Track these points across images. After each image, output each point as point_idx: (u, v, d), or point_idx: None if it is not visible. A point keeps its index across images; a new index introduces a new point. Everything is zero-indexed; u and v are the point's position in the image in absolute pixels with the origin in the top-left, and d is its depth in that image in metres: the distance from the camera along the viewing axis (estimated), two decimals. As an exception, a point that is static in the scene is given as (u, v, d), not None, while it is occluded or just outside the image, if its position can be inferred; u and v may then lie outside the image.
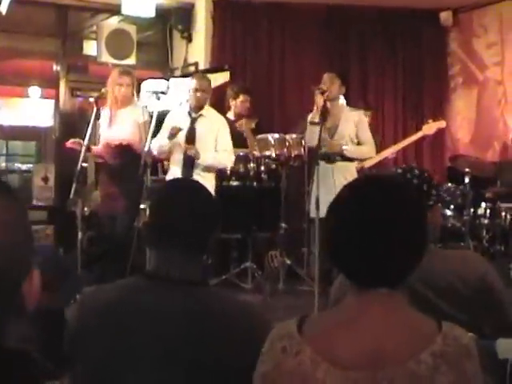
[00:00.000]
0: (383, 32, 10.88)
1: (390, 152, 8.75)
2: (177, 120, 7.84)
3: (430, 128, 8.73)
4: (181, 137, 7.75)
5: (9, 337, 1.39)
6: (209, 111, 8.03)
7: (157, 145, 7.62)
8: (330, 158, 7.66)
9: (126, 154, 7.70)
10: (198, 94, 7.79)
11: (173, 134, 7.63)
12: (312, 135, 7.62)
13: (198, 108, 7.84)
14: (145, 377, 2.43)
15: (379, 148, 8.31)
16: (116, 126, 7.85)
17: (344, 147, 7.69)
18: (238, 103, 9.10)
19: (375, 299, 2.02)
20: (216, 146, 7.82)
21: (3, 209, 1.34)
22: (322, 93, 7.61)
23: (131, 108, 7.85)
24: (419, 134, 8.79)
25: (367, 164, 8.13)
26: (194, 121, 7.83)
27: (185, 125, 7.79)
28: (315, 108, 8.01)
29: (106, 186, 8.00)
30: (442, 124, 8.79)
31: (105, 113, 7.98)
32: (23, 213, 1.42)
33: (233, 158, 7.98)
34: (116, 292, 2.61)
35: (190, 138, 7.76)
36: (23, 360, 1.39)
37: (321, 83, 7.75)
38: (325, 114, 7.54)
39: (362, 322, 2.00)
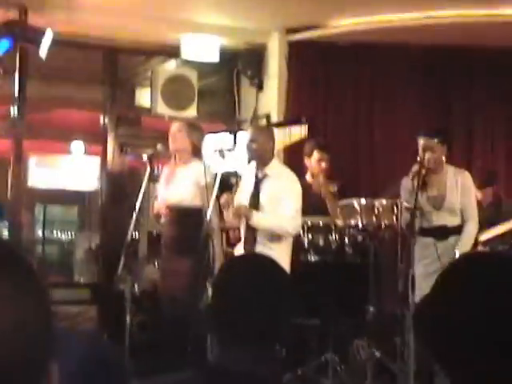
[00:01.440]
0: (492, 76, 10.79)
1: (506, 228, 8.70)
2: (245, 181, 7.91)
3: None
4: (243, 201, 7.78)
5: None
6: (277, 169, 8.03)
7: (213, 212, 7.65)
8: (442, 233, 7.64)
9: (188, 219, 7.77)
10: (254, 146, 7.82)
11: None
12: (405, 220, 7.67)
13: (260, 164, 7.85)
14: None
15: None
16: (173, 186, 7.95)
17: (457, 251, 7.62)
18: (312, 162, 9.08)
19: None
20: (280, 210, 7.78)
21: (14, 290, 1.33)
22: (417, 175, 7.63)
23: (192, 166, 7.93)
24: None
25: (483, 238, 8.11)
26: (258, 182, 7.86)
27: (250, 187, 7.86)
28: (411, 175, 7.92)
29: (168, 260, 8.04)
30: None
31: (164, 171, 8.11)
32: (41, 295, 1.39)
33: (297, 223, 7.87)
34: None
35: (254, 201, 7.80)
36: None
37: (419, 147, 7.75)
38: (424, 180, 7.54)
39: None
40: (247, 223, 7.68)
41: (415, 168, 7.66)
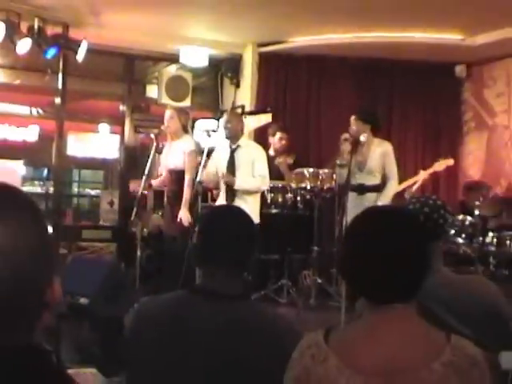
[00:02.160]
0: (406, 82, 10.86)
1: (408, 183, 8.73)
2: (219, 154, 7.93)
3: (440, 165, 8.79)
4: (223, 166, 7.79)
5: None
6: (246, 142, 8.10)
7: (205, 175, 7.65)
8: (360, 190, 7.65)
9: (182, 179, 7.77)
10: (228, 125, 7.84)
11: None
12: (341, 175, 7.72)
13: (234, 139, 7.86)
14: (188, 380, 2.42)
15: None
16: (170, 156, 7.98)
17: (380, 203, 7.64)
18: (275, 140, 9.11)
19: (390, 313, 2.03)
20: (253, 172, 7.80)
21: (21, 225, 1.31)
22: (346, 140, 7.68)
23: (182, 140, 7.96)
24: (431, 170, 8.84)
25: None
26: (233, 152, 7.85)
27: (226, 156, 7.85)
28: (341, 152, 7.93)
29: (171, 209, 8.03)
30: (450, 162, 8.81)
31: (166, 145, 8.10)
32: (41, 226, 1.37)
33: (267, 181, 7.90)
34: (166, 303, 2.62)
35: (231, 167, 7.80)
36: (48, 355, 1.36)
37: (350, 125, 7.81)
38: (354, 148, 7.55)
39: (380, 334, 2.01)
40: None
41: (344, 136, 7.72)
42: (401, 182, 8.26)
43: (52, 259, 1.38)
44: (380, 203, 7.61)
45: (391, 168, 7.95)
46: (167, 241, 8.05)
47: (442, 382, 1.89)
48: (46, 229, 1.39)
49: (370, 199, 7.71)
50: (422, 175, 8.78)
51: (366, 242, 2.08)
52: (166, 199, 8.17)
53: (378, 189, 7.84)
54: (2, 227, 1.26)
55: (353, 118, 7.91)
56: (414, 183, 8.60)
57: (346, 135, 7.75)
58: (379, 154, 7.88)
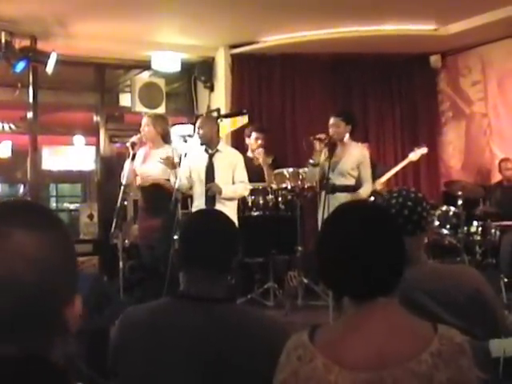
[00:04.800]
0: (381, 75, 10.95)
1: (386, 177, 8.78)
2: (194, 158, 7.83)
3: (415, 155, 8.89)
4: (201, 172, 7.78)
5: (58, 353, 1.39)
6: (224, 147, 8.07)
7: (178, 182, 7.58)
8: (331, 190, 7.61)
9: (158, 189, 7.75)
10: (201, 131, 7.79)
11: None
12: (311, 174, 7.78)
13: (210, 144, 7.84)
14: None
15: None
16: (149, 164, 7.92)
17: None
18: (251, 141, 9.10)
19: (374, 308, 2.06)
20: (233, 178, 7.82)
21: (53, 239, 1.38)
22: (320, 140, 7.66)
23: (163, 149, 7.90)
24: (406, 161, 8.95)
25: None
26: (211, 157, 7.83)
27: (203, 161, 7.82)
28: (314, 151, 7.91)
29: (144, 220, 8.03)
30: (423, 150, 8.93)
31: (141, 152, 8.05)
32: (70, 244, 1.44)
33: (249, 187, 7.99)
34: (151, 311, 2.63)
35: (210, 172, 7.78)
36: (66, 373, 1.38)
37: (329, 125, 7.78)
38: (331, 150, 7.56)
39: (365, 329, 2.03)
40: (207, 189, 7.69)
41: (321, 135, 7.70)
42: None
43: (76, 277, 1.44)
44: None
45: (367, 172, 7.92)
46: (144, 251, 8.03)
47: (432, 372, 1.91)
48: (74, 248, 1.45)
49: (339, 199, 7.67)
50: (398, 167, 8.90)
51: (339, 243, 2.12)
52: (141, 211, 8.16)
53: (349, 189, 7.79)
54: (40, 237, 1.36)
55: (336, 119, 7.82)
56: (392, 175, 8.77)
57: (321, 135, 7.70)
58: (356, 157, 7.83)
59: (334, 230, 2.17)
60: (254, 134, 9.10)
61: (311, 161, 7.83)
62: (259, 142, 9.04)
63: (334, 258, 2.11)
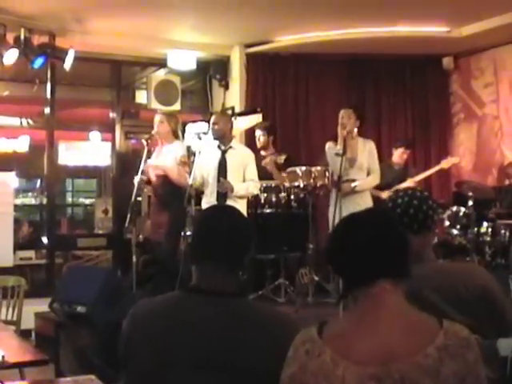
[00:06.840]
0: (394, 76, 10.94)
1: (420, 177, 8.91)
2: (207, 155, 7.89)
3: (447, 163, 9.01)
4: (213, 168, 7.80)
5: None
6: (237, 144, 8.15)
7: (192, 179, 7.60)
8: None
9: (168, 184, 7.80)
10: (215, 127, 7.85)
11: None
12: (335, 165, 7.72)
13: (223, 140, 7.88)
14: (186, 379, 2.43)
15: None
16: (160, 160, 7.98)
17: (353, 184, 7.74)
18: (259, 138, 9.13)
19: (380, 302, 2.08)
20: (245, 176, 7.87)
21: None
22: (343, 126, 7.73)
23: (172, 145, 7.97)
24: (438, 167, 9.09)
25: (384, 195, 8.19)
26: (224, 153, 7.88)
27: (216, 158, 7.85)
28: (339, 140, 7.96)
29: (154, 215, 8.09)
30: (456, 160, 9.07)
31: (156, 149, 8.12)
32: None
33: (259, 185, 8.06)
34: (161, 303, 2.63)
35: (222, 168, 7.82)
36: None
37: (339, 118, 7.83)
38: (345, 146, 7.60)
39: (372, 323, 2.04)
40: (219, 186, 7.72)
41: (342, 131, 7.75)
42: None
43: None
44: (355, 185, 7.72)
45: (375, 164, 8.08)
46: (154, 247, 8.09)
47: (438, 366, 1.92)
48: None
49: (351, 198, 7.73)
50: (428, 173, 9.04)
51: (345, 231, 2.21)
52: (152, 207, 8.21)
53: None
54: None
55: (348, 110, 7.90)
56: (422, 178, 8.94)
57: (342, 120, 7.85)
58: (367, 151, 7.96)
59: (341, 226, 2.26)
60: (257, 132, 9.13)
61: (328, 147, 7.94)
62: (261, 139, 9.04)
63: (340, 244, 2.21)
